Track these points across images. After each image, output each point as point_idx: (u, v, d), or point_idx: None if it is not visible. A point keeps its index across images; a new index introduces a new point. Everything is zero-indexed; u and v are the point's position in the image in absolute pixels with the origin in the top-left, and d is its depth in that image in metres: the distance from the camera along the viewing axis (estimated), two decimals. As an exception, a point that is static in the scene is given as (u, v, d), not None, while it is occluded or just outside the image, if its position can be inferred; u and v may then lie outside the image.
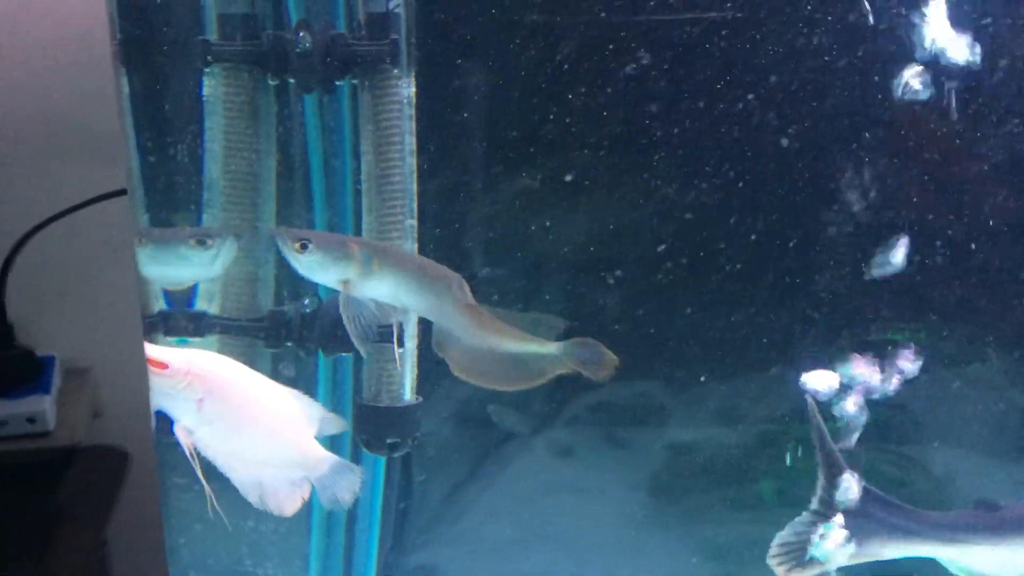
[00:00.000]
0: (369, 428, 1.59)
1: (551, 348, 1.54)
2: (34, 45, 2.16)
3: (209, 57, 1.49)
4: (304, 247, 1.42)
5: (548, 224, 1.77)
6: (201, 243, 1.53)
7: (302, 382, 1.62)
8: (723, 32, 1.64)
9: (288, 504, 1.33)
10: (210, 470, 1.33)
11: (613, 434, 1.93)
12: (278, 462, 1.28)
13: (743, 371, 1.86)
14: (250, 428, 1.28)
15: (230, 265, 1.56)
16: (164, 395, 1.28)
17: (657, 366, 1.87)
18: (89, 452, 2.13)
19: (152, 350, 1.32)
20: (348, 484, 1.34)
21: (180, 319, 1.56)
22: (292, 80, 1.52)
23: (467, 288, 1.50)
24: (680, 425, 1.90)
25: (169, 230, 1.58)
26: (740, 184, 1.73)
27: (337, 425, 1.37)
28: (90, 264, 2.25)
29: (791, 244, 1.74)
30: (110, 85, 1.59)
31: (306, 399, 1.38)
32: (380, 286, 1.45)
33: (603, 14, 1.62)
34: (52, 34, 2.15)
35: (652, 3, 1.62)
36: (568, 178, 1.74)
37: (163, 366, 1.29)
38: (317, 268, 1.44)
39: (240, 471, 1.29)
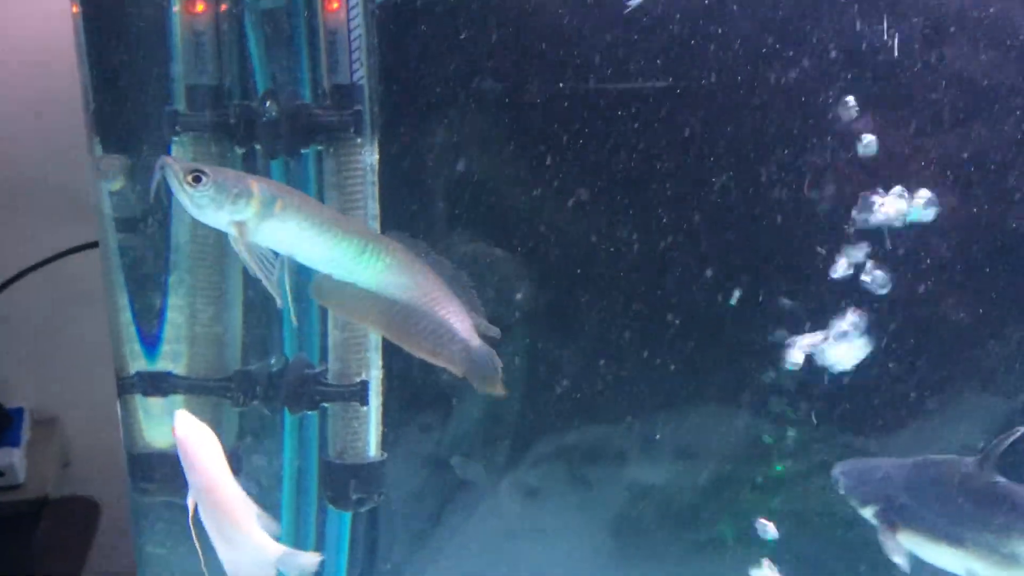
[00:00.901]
0: (335, 485, 1.62)
1: (471, 340, 1.35)
2: (3, 101, 2.19)
3: (178, 127, 1.53)
4: (197, 179, 1.25)
5: (510, 279, 1.83)
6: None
7: (268, 441, 1.67)
8: (676, 98, 1.71)
9: None
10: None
11: (578, 476, 1.97)
12: (243, 547, 1.32)
13: (703, 414, 1.91)
14: (215, 509, 1.32)
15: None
16: None
17: (620, 409, 1.92)
18: (59, 503, 2.14)
19: (179, 413, 1.36)
20: (305, 565, 1.37)
21: (146, 379, 1.59)
22: (258, 146, 1.56)
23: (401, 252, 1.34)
24: (642, 467, 1.95)
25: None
26: (695, 238, 1.80)
27: (272, 528, 1.35)
28: (58, 316, 2.27)
29: (749, 291, 1.81)
30: (79, 141, 1.63)
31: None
32: (280, 233, 1.28)
33: (560, 83, 1.69)
34: (22, 91, 2.19)
35: (608, 72, 1.69)
36: (527, 235, 1.80)
37: (173, 430, 1.35)
38: (210, 205, 1.25)
39: (223, 550, 1.34)
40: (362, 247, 1.31)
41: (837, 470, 1.65)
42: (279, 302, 1.34)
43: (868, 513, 1.61)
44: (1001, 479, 1.52)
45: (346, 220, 1.39)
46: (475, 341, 1.34)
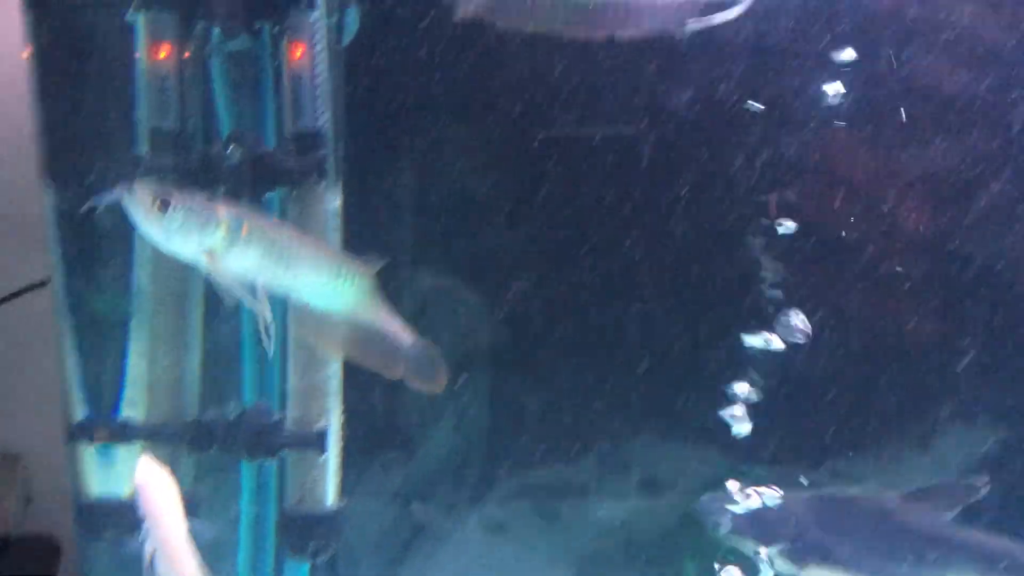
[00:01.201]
0: (293, 534, 1.60)
1: (405, 339, 1.40)
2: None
3: (139, 171, 1.51)
4: (165, 205, 1.21)
5: (473, 317, 1.83)
6: None
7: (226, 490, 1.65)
8: (640, 142, 1.73)
9: None
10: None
11: (543, 511, 1.96)
12: None
13: (670, 451, 1.91)
14: (167, 559, 1.31)
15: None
16: None
17: (586, 445, 1.92)
18: (21, 541, 2.11)
19: (142, 460, 1.36)
20: None
21: (105, 425, 1.57)
22: (221, 191, 1.55)
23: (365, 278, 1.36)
24: (607, 503, 1.95)
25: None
26: (660, 278, 1.81)
27: None
28: (20, 352, 2.25)
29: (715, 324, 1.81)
30: (34, 177, 1.60)
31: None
32: (246, 257, 1.27)
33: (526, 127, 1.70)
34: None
35: (570, 117, 1.70)
36: (490, 275, 1.81)
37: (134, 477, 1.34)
38: (178, 233, 1.23)
39: None
40: (336, 271, 1.33)
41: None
42: (266, 316, 1.32)
43: (771, 553, 1.53)
44: (939, 515, 1.50)
45: (316, 243, 1.40)
46: (411, 338, 1.40)
